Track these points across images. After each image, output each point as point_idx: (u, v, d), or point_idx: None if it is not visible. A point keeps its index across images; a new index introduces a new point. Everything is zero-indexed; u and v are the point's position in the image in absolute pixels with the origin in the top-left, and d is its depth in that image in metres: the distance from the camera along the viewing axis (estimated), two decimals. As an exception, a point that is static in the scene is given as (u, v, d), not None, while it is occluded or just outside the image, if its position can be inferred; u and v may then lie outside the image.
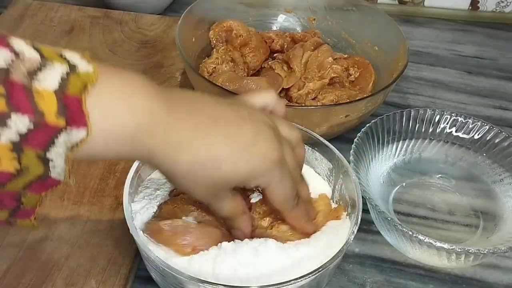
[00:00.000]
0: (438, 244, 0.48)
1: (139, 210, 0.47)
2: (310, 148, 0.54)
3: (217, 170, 0.39)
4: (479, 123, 0.60)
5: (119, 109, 0.34)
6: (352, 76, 0.70)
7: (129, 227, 0.44)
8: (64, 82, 0.32)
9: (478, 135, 0.61)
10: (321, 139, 0.53)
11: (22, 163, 0.31)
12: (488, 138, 0.60)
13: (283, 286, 0.40)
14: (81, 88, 0.32)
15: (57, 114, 0.31)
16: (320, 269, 0.42)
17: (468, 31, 0.89)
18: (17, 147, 0.31)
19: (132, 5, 0.83)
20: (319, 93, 0.67)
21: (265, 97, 0.46)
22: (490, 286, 0.53)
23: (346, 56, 0.73)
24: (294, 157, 0.44)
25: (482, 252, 0.47)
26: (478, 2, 0.90)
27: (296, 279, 0.41)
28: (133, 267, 0.51)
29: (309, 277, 0.41)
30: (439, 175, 0.62)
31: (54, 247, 0.50)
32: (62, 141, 0.32)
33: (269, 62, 0.70)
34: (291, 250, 0.44)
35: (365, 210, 0.51)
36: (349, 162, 0.52)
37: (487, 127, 0.60)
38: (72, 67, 0.33)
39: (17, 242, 0.50)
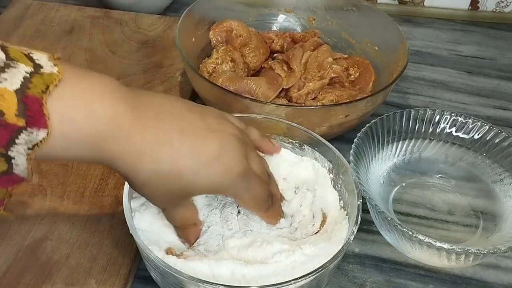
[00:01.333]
0: (438, 244, 0.48)
1: (139, 210, 0.47)
2: (310, 148, 0.54)
3: (178, 182, 0.39)
4: (479, 123, 0.60)
5: (80, 114, 0.34)
6: (352, 76, 0.70)
7: (129, 227, 0.44)
8: (26, 82, 0.32)
9: (478, 135, 0.61)
10: (321, 139, 0.53)
11: None
12: (488, 138, 0.60)
13: (283, 286, 0.40)
14: (43, 89, 0.33)
15: (17, 113, 0.32)
16: (320, 269, 0.42)
17: (468, 31, 0.89)
18: None
19: (132, 5, 0.83)
20: (319, 93, 0.67)
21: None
22: (490, 286, 0.53)
23: (346, 56, 0.73)
24: (260, 160, 0.45)
25: (482, 252, 0.47)
26: (478, 2, 0.90)
27: (296, 279, 0.41)
28: (133, 267, 0.51)
29: (309, 277, 0.41)
30: (439, 175, 0.62)
31: (54, 247, 0.50)
32: (22, 140, 0.32)
33: (269, 62, 0.70)
34: (291, 250, 0.45)
35: (365, 210, 0.51)
36: (349, 162, 0.52)
37: (487, 127, 0.60)
38: (37, 68, 0.33)
39: (17, 242, 0.50)
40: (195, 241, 0.46)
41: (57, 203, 0.54)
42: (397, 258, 0.55)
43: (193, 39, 0.71)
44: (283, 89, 0.67)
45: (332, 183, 0.53)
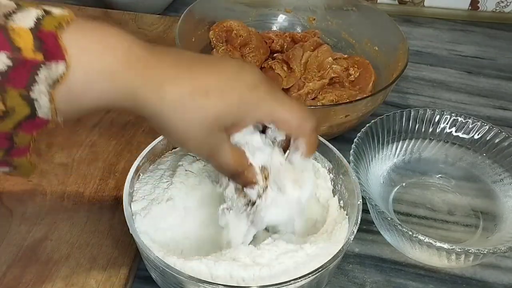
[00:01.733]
0: (438, 244, 0.48)
1: (139, 211, 0.47)
2: (310, 148, 0.54)
3: (206, 99, 0.37)
4: (479, 123, 0.60)
5: (97, 46, 0.35)
6: (352, 76, 0.70)
7: (129, 227, 0.44)
8: (39, 21, 0.33)
9: (478, 135, 0.61)
10: (321, 139, 0.53)
11: (7, 104, 0.32)
12: (488, 138, 0.60)
13: (283, 286, 0.40)
14: (56, 26, 0.33)
15: (34, 49, 0.32)
16: (320, 269, 0.42)
17: (468, 31, 0.89)
18: (0, 87, 0.32)
19: (132, 5, 0.83)
20: (319, 93, 0.67)
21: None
22: (490, 286, 0.53)
23: (346, 56, 0.73)
24: None
25: (482, 252, 0.47)
26: (478, 2, 0.90)
27: (296, 279, 0.41)
28: (133, 267, 0.51)
29: (309, 277, 0.41)
30: (439, 175, 0.62)
31: (54, 247, 0.50)
32: (43, 77, 0.33)
33: (269, 62, 0.70)
34: (291, 250, 0.45)
35: (365, 210, 0.51)
36: (349, 162, 0.52)
37: (487, 127, 0.60)
38: (48, 12, 0.34)
39: (17, 242, 0.50)
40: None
41: (57, 203, 0.54)
42: (397, 258, 0.55)
43: (193, 39, 0.71)
44: (283, 89, 0.67)
45: (332, 183, 0.53)
